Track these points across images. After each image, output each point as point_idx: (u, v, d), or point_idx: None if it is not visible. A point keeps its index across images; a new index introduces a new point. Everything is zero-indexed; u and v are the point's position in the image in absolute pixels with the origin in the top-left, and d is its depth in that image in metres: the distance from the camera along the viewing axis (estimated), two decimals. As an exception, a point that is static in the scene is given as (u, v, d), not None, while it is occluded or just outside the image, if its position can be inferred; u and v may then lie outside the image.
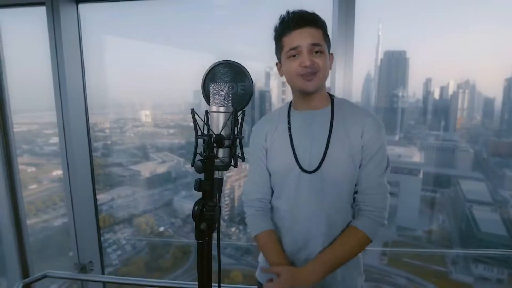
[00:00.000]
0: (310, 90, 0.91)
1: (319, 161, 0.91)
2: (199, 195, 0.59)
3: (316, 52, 0.88)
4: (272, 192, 1.05)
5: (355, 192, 0.96)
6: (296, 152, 0.95)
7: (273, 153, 1.01)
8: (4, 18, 1.65)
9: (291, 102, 1.04)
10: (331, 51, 0.96)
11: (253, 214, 1.04)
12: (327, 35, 0.93)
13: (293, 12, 0.90)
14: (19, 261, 1.74)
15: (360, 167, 0.93)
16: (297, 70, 0.89)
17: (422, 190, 11.53)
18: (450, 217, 11.56)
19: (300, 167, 0.93)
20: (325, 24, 0.92)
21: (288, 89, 1.02)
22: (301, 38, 0.87)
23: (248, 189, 1.06)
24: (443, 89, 15.11)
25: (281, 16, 0.92)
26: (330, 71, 0.96)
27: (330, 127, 0.93)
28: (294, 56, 0.89)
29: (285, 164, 0.96)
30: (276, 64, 1.00)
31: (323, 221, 0.94)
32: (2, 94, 1.65)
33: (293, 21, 0.89)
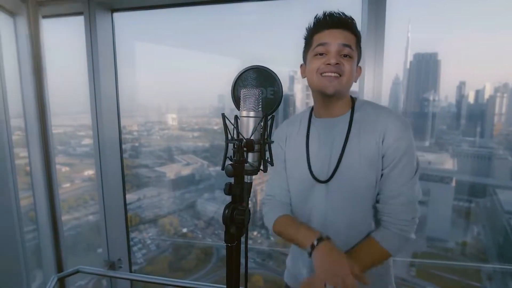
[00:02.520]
0: (329, 92, 0.85)
1: (332, 170, 0.87)
2: (222, 198, 0.60)
3: (345, 56, 0.84)
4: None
5: (377, 202, 0.88)
6: (311, 161, 0.92)
7: (290, 159, 0.99)
8: (47, 27, 1.76)
9: (313, 107, 1.00)
10: (359, 66, 0.92)
11: (269, 208, 1.03)
12: (360, 45, 0.89)
13: (330, 13, 0.86)
14: (54, 255, 1.83)
15: (382, 174, 0.86)
16: (320, 67, 0.85)
17: (454, 200, 10.91)
18: (486, 229, 10.82)
19: (313, 176, 0.90)
20: (360, 34, 0.89)
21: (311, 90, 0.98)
22: (332, 36, 0.84)
23: (269, 191, 1.06)
24: (478, 93, 14.28)
25: (316, 15, 0.89)
26: (354, 83, 0.90)
27: (346, 134, 0.88)
28: (321, 54, 0.85)
29: (300, 172, 0.94)
30: (301, 65, 0.97)
31: (342, 231, 0.89)
32: (43, 98, 1.76)
33: (328, 21, 0.85)
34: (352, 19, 0.86)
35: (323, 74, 0.85)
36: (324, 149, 0.91)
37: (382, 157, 0.85)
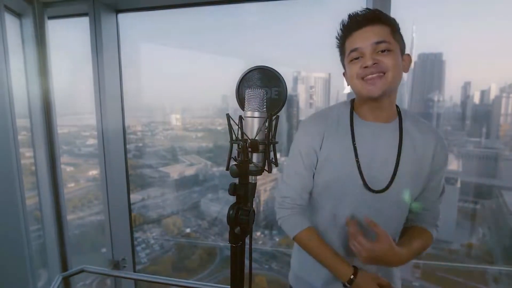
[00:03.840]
0: (374, 95, 0.78)
1: (388, 181, 0.83)
2: (225, 198, 0.60)
3: (383, 51, 0.77)
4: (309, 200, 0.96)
5: (425, 209, 0.93)
6: (362, 169, 0.84)
7: (330, 162, 0.87)
8: (52, 28, 1.78)
9: (352, 105, 0.91)
10: (407, 53, 0.83)
11: (289, 214, 0.93)
12: (398, 32, 0.81)
13: (354, 13, 0.80)
14: (59, 255, 1.85)
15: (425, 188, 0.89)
16: (358, 72, 0.79)
17: (459, 201, 10.81)
18: (492, 231, 10.71)
19: (366, 186, 0.84)
20: (394, 21, 0.80)
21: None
22: (363, 38, 0.77)
23: (286, 193, 0.93)
24: (483, 93, 14.15)
25: (342, 21, 0.82)
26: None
27: (399, 144, 0.83)
28: (356, 59, 0.79)
29: (346, 180, 0.85)
30: (343, 74, 0.89)
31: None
32: (48, 99, 1.77)
33: (354, 22, 0.79)
34: (379, 11, 0.79)
35: (364, 78, 0.79)
36: (373, 156, 0.84)
37: (429, 173, 0.87)
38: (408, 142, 0.84)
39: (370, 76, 0.77)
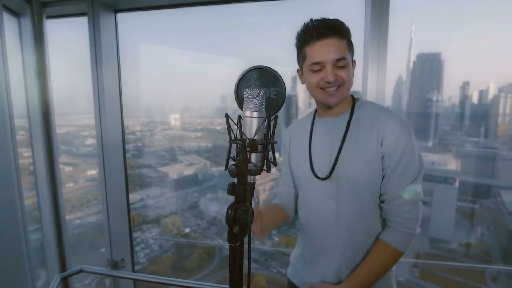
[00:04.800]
0: (331, 104, 0.90)
1: (331, 168, 0.90)
2: (224, 198, 0.60)
3: (341, 67, 0.85)
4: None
5: (382, 202, 0.90)
6: (312, 159, 0.95)
7: (294, 159, 1.04)
8: (51, 28, 1.77)
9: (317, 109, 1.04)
10: (354, 59, 0.92)
11: (276, 199, 1.14)
12: (351, 42, 0.89)
13: (316, 21, 0.86)
14: (57, 255, 1.84)
15: (384, 175, 0.87)
16: (320, 83, 0.87)
17: (458, 200, 10.83)
18: (490, 230, 10.75)
19: (314, 174, 0.94)
20: (349, 31, 0.88)
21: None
22: (325, 52, 0.84)
23: (277, 189, 1.15)
24: (482, 93, 14.18)
25: (304, 23, 0.89)
26: (358, 74, 0.96)
27: (344, 132, 0.90)
28: (317, 70, 0.87)
29: (303, 171, 0.98)
30: (298, 70, 0.97)
31: (342, 230, 0.91)
32: (47, 98, 1.77)
33: (316, 31, 0.84)
34: (340, 22, 0.86)
35: (321, 88, 0.88)
36: (324, 147, 0.94)
37: (382, 158, 0.86)
38: (354, 130, 0.90)
39: (328, 89, 0.87)
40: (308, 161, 0.96)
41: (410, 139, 0.85)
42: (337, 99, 0.88)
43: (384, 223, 0.93)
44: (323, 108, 0.97)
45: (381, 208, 0.91)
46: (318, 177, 0.93)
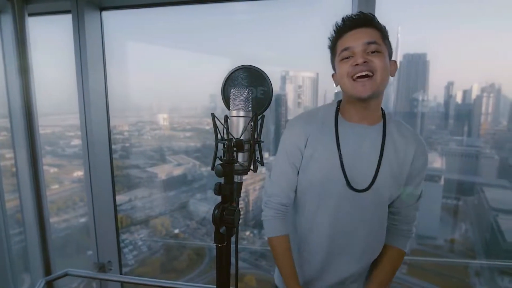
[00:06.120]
0: (363, 96, 0.80)
1: (370, 181, 0.86)
2: (214, 198, 0.59)
3: (373, 52, 0.79)
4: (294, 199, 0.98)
5: (397, 213, 0.97)
6: (346, 169, 0.86)
7: (314, 161, 0.89)
8: (33, 26, 1.72)
9: (338, 106, 0.93)
10: (394, 59, 0.87)
11: (272, 216, 0.96)
12: (387, 38, 0.85)
13: (348, 16, 0.83)
14: (42, 258, 1.80)
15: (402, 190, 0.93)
16: (349, 70, 0.80)
17: (443, 198, 11.12)
18: (474, 226, 11.06)
19: (349, 185, 0.86)
20: (385, 28, 0.84)
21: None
22: (355, 38, 0.80)
23: (272, 191, 0.96)
24: (466, 93, 14.59)
25: (336, 22, 0.85)
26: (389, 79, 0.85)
27: (382, 146, 0.87)
28: (347, 58, 0.81)
29: (329, 179, 0.88)
30: (332, 75, 0.91)
31: (361, 239, 0.91)
32: (29, 98, 1.72)
33: (347, 24, 0.82)
34: (372, 15, 0.83)
35: (354, 77, 0.80)
36: (356, 157, 0.87)
37: (408, 176, 0.91)
38: (390, 145, 0.87)
39: (360, 75, 0.79)
40: (340, 169, 0.86)
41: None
42: (369, 90, 0.79)
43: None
44: (354, 109, 0.87)
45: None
46: (354, 189, 0.86)
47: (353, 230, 0.90)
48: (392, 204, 0.95)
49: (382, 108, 0.91)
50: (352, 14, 0.82)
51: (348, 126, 0.88)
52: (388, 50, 0.84)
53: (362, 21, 0.81)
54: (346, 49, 0.81)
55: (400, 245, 0.97)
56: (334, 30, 0.86)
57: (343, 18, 0.84)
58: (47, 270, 1.81)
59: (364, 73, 0.78)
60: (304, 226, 0.95)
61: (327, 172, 0.87)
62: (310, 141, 0.90)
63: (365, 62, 0.78)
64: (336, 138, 0.87)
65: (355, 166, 0.86)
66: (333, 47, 0.88)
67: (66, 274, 1.75)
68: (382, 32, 0.83)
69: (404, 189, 0.92)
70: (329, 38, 0.88)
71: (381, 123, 0.89)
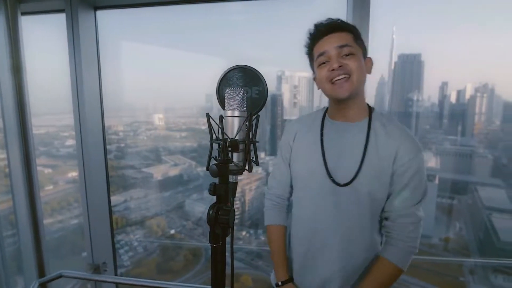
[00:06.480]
0: (342, 97, 0.85)
1: (352, 176, 0.87)
2: (210, 198, 0.59)
3: (347, 55, 0.84)
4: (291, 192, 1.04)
5: (386, 218, 0.91)
6: (328, 163, 0.90)
7: (299, 155, 0.97)
8: (26, 25, 1.71)
9: (327, 108, 0.99)
10: (369, 56, 0.91)
11: (270, 206, 1.05)
12: (359, 38, 0.89)
13: (319, 23, 0.88)
14: (35, 260, 1.78)
15: (393, 193, 0.88)
16: (327, 75, 0.85)
17: (438, 197, 11.23)
18: (468, 225, 11.20)
19: (331, 178, 0.89)
20: (356, 29, 0.89)
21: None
22: (328, 43, 0.85)
23: (270, 183, 1.07)
24: (460, 93, 14.76)
25: (309, 30, 0.90)
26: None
27: (365, 143, 0.87)
28: (324, 63, 0.86)
29: (311, 171, 0.92)
30: (314, 79, 0.96)
31: (339, 234, 0.90)
32: (22, 97, 1.70)
33: (320, 30, 0.87)
34: (340, 20, 0.88)
35: (332, 81, 0.85)
36: (336, 152, 0.90)
37: (392, 175, 0.86)
38: (373, 142, 0.88)
39: (337, 78, 0.84)
40: (321, 163, 0.90)
41: (422, 163, 0.86)
42: (346, 91, 0.84)
43: (380, 239, 0.93)
44: (336, 109, 0.93)
45: (380, 224, 0.92)
46: (335, 183, 0.88)
47: (333, 225, 0.90)
48: (384, 209, 0.90)
49: (370, 106, 0.95)
50: (323, 21, 0.87)
51: (332, 124, 0.95)
52: (362, 49, 0.88)
53: (334, 26, 0.86)
54: (321, 54, 0.86)
55: (389, 256, 0.87)
56: (308, 37, 0.91)
57: (315, 25, 0.89)
58: (41, 272, 1.79)
59: (341, 77, 0.84)
60: (292, 218, 1.02)
61: (311, 165, 0.93)
62: (298, 136, 0.99)
63: (340, 66, 0.83)
64: (321, 134, 0.94)
65: (337, 160, 0.90)
66: (310, 53, 0.92)
67: (60, 276, 1.73)
68: (354, 33, 0.87)
69: (395, 191, 0.87)
70: (305, 45, 0.93)
71: (366, 120, 0.91)
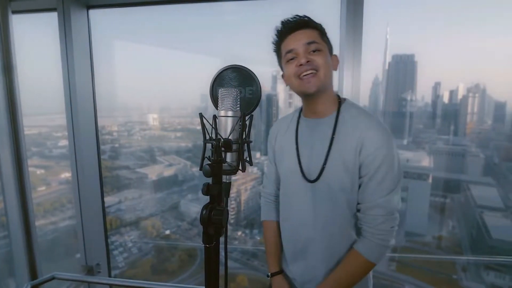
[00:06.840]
0: (310, 92, 0.86)
1: (319, 172, 0.88)
2: (205, 198, 0.59)
3: (314, 51, 0.86)
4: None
5: (358, 211, 0.89)
6: (301, 160, 0.93)
7: (280, 156, 1.01)
8: (17, 24, 1.68)
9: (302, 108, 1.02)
10: (335, 54, 0.92)
11: (264, 203, 1.13)
12: (325, 35, 0.91)
13: (286, 20, 0.89)
14: (27, 262, 1.75)
15: (361, 184, 0.86)
16: (295, 71, 0.86)
17: (431, 195, 11.35)
18: (461, 223, 11.34)
19: (303, 175, 0.91)
20: (321, 26, 0.90)
21: (295, 93, 0.99)
22: (296, 40, 0.87)
23: (264, 182, 1.14)
24: (452, 93, 14.95)
25: (276, 27, 0.91)
26: (335, 73, 0.91)
27: (332, 136, 0.89)
28: (292, 59, 0.88)
29: (290, 170, 0.95)
30: (282, 75, 0.97)
31: (319, 229, 0.91)
32: (13, 97, 1.68)
33: (287, 28, 0.88)
34: (307, 17, 0.89)
35: (300, 76, 0.86)
36: (310, 149, 0.92)
37: (360, 166, 0.84)
38: (342, 134, 0.89)
39: (305, 74, 0.85)
40: (296, 162, 0.93)
41: (390, 149, 0.83)
42: (314, 86, 0.85)
43: (359, 231, 0.90)
44: (306, 105, 0.95)
45: (356, 217, 0.90)
46: (307, 180, 0.90)
47: (312, 221, 0.92)
48: (359, 202, 0.88)
49: (341, 98, 0.95)
50: (289, 18, 0.89)
51: (305, 122, 0.97)
52: (328, 47, 0.90)
53: (301, 23, 0.88)
54: (289, 51, 0.87)
55: (360, 248, 0.86)
56: (276, 35, 0.92)
57: (282, 22, 0.90)
58: (33, 274, 1.76)
59: (308, 72, 0.85)
60: (280, 214, 1.05)
61: (289, 165, 0.96)
62: (278, 138, 1.04)
63: (308, 61, 0.85)
64: (296, 133, 0.97)
65: (309, 157, 0.92)
66: (277, 50, 0.94)
67: (53, 278, 1.71)
68: (320, 30, 0.89)
69: (363, 182, 0.85)
70: (272, 42, 0.95)
71: (334, 114, 0.91)
